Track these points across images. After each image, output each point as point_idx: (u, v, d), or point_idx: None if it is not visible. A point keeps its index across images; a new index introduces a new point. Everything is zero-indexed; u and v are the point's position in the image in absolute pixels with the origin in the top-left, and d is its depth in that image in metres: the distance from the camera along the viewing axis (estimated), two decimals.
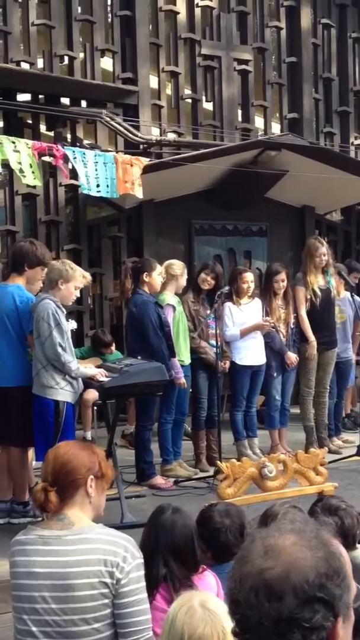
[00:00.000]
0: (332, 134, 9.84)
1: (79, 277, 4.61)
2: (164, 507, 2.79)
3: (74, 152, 6.23)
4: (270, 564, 1.10)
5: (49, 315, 4.42)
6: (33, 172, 5.63)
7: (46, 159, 6.23)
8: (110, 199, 6.62)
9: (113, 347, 7.26)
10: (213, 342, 5.94)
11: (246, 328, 6.18)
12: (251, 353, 6.23)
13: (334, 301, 6.58)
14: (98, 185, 6.04)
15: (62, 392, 4.48)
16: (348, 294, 6.99)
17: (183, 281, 6.00)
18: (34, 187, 7.74)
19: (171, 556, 2.59)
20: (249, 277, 6.30)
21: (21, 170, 5.58)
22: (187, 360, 5.91)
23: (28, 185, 7.73)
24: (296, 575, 1.09)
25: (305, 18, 9.50)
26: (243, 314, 6.24)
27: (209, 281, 6.10)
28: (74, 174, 7.67)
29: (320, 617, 1.08)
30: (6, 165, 7.59)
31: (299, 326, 6.40)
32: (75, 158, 6.11)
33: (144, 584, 2.13)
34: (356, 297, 7.09)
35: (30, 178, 5.66)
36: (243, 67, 9.05)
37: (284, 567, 1.09)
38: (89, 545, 2.09)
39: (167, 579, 2.54)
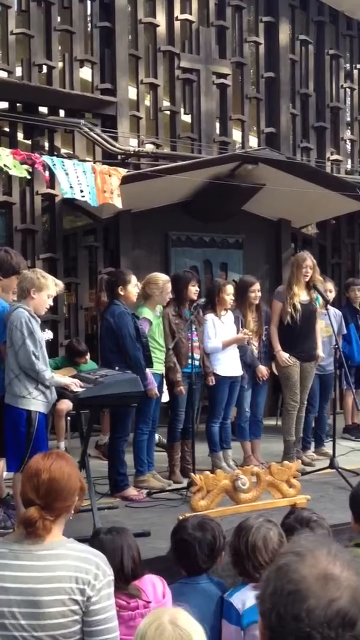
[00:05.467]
0: (309, 149, 9.94)
1: (51, 286, 4.56)
2: (99, 530, 2.96)
3: (52, 160, 6.23)
4: (338, 594, 1.12)
5: (22, 324, 4.38)
6: (17, 169, 5.62)
7: (24, 166, 6.20)
8: (93, 206, 6.61)
9: (88, 357, 7.23)
10: (195, 354, 5.92)
11: (228, 340, 6.19)
12: (231, 364, 6.25)
13: (317, 315, 6.51)
14: (82, 191, 6.03)
15: (35, 402, 4.43)
16: (333, 308, 6.89)
17: (166, 295, 5.88)
18: (11, 195, 7.71)
19: None
20: (231, 290, 6.34)
21: (5, 166, 5.57)
22: (162, 370, 5.91)
23: (4, 193, 7.71)
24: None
25: (284, 34, 9.61)
26: (224, 325, 6.27)
27: (196, 293, 6.12)
28: (52, 181, 7.67)
29: None
30: None
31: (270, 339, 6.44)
32: (54, 165, 6.10)
33: (113, 601, 2.12)
34: (335, 310, 7.08)
35: (16, 172, 5.65)
36: (222, 81, 9.12)
37: (350, 593, 1.12)
38: (60, 562, 2.07)
39: None
